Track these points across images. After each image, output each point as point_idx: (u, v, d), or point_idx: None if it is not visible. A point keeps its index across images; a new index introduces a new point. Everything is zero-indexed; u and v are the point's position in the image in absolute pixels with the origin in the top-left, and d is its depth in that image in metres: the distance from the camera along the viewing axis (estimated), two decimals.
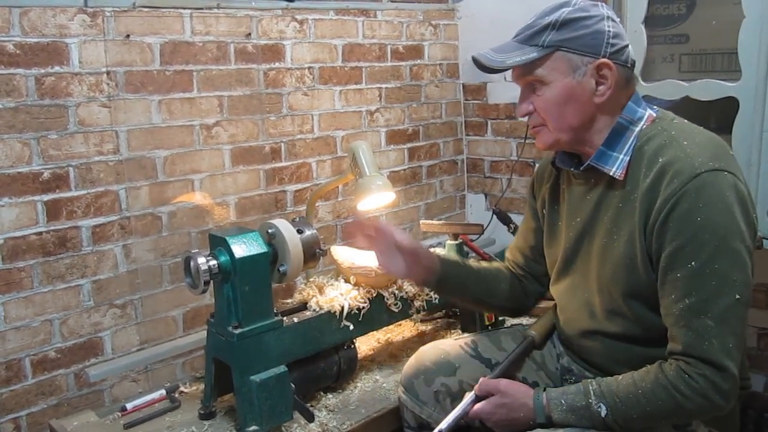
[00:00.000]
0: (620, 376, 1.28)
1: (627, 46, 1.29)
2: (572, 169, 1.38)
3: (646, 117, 1.31)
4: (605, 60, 1.25)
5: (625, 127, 1.30)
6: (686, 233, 1.18)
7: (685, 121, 1.33)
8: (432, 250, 1.62)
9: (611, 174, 1.29)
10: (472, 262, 1.61)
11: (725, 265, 1.17)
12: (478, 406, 1.38)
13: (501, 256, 2.38)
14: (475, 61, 1.32)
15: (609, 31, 1.26)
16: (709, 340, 1.17)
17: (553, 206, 1.49)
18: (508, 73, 1.35)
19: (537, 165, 1.57)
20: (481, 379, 1.41)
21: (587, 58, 1.25)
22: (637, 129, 1.30)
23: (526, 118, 1.36)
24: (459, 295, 1.60)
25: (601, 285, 1.34)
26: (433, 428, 1.38)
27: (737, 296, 1.17)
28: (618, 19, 1.30)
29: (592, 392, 1.28)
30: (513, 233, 2.42)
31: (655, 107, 1.34)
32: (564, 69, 1.26)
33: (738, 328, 1.19)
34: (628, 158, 1.28)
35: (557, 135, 1.31)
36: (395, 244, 1.43)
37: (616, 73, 1.26)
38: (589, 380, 1.32)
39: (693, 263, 1.18)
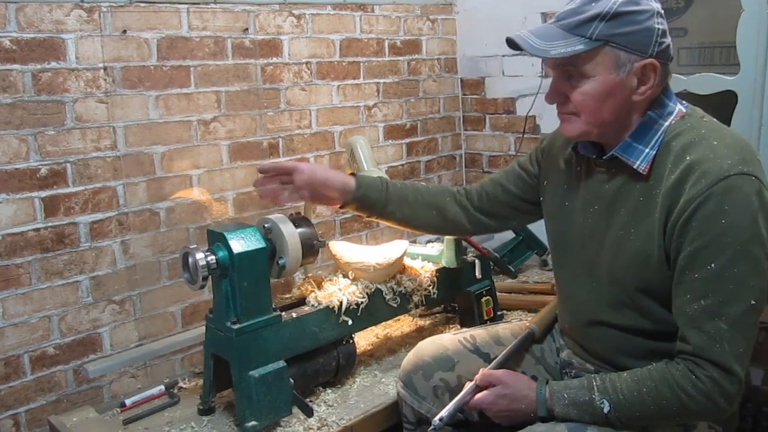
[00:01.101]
0: (624, 373, 1.28)
1: (670, 43, 1.25)
2: (594, 157, 1.36)
3: (675, 112, 1.28)
4: (652, 60, 1.21)
5: (654, 121, 1.27)
6: (708, 235, 1.16)
7: (714, 119, 1.30)
8: (359, 174, 1.60)
9: (635, 167, 1.27)
10: (409, 184, 1.63)
11: (744, 270, 1.16)
12: (478, 395, 1.37)
13: (499, 250, 2.38)
14: (510, 43, 1.26)
15: (658, 29, 1.21)
16: (721, 344, 1.16)
17: (563, 185, 1.46)
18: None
19: (550, 133, 1.52)
20: (481, 370, 1.41)
21: (634, 56, 1.20)
22: (666, 124, 1.27)
23: (554, 105, 1.32)
24: (390, 216, 1.61)
25: (612, 277, 1.33)
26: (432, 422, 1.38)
27: (753, 302, 1.16)
28: (664, 15, 1.24)
29: (595, 388, 1.28)
30: (511, 228, 2.41)
31: (684, 102, 1.31)
32: (609, 65, 1.21)
33: (750, 334, 1.18)
34: (654, 153, 1.26)
35: (589, 128, 1.28)
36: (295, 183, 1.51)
37: (660, 73, 1.23)
38: (592, 375, 1.31)
39: (712, 265, 1.16)
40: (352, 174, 1.59)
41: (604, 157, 1.32)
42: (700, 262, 1.18)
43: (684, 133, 1.25)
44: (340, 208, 1.59)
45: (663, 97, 1.28)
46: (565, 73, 1.26)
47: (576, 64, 1.23)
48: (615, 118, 1.26)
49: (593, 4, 1.20)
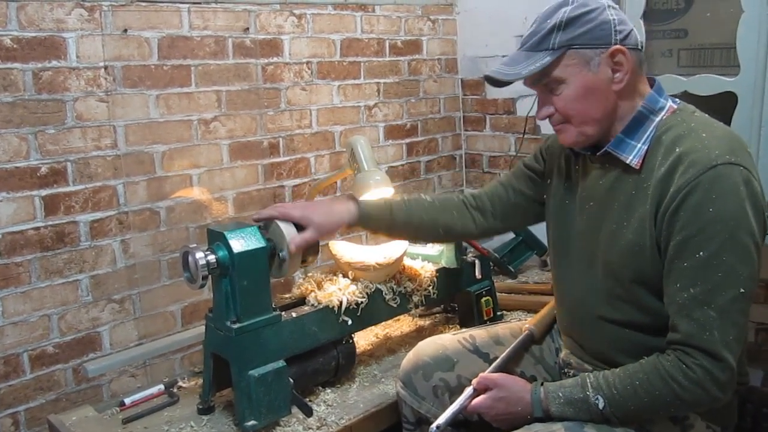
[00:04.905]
0: (618, 369, 1.28)
1: (632, 29, 1.29)
2: (589, 153, 1.38)
3: (667, 108, 1.31)
4: (618, 46, 1.25)
5: (646, 116, 1.30)
6: (696, 224, 1.18)
7: (705, 114, 1.32)
8: (359, 200, 1.60)
9: (627, 162, 1.29)
10: (417, 203, 1.62)
11: (732, 259, 1.17)
12: (476, 400, 1.38)
13: (499, 251, 2.38)
14: (489, 80, 1.32)
15: (614, 18, 1.26)
16: (710, 331, 1.17)
17: (563, 184, 1.48)
18: None
19: (551, 136, 1.53)
20: (480, 374, 1.41)
21: (600, 49, 1.25)
22: (657, 119, 1.29)
23: (546, 120, 1.35)
24: (399, 230, 1.63)
25: (608, 271, 1.34)
26: (432, 423, 1.39)
27: (742, 290, 1.17)
28: (617, 6, 1.30)
29: (589, 384, 1.28)
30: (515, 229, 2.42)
31: (676, 99, 1.34)
32: (579, 64, 1.26)
33: (740, 321, 1.19)
34: (646, 147, 1.28)
35: (582, 129, 1.31)
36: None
37: (631, 58, 1.26)
38: (586, 374, 1.32)
39: (701, 254, 1.18)
40: (354, 199, 1.59)
41: (598, 154, 1.35)
42: (689, 251, 1.19)
43: (674, 127, 1.27)
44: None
45: (654, 93, 1.31)
46: (546, 87, 1.31)
47: (549, 74, 1.27)
48: (603, 113, 1.29)
49: (548, 21, 1.27)
